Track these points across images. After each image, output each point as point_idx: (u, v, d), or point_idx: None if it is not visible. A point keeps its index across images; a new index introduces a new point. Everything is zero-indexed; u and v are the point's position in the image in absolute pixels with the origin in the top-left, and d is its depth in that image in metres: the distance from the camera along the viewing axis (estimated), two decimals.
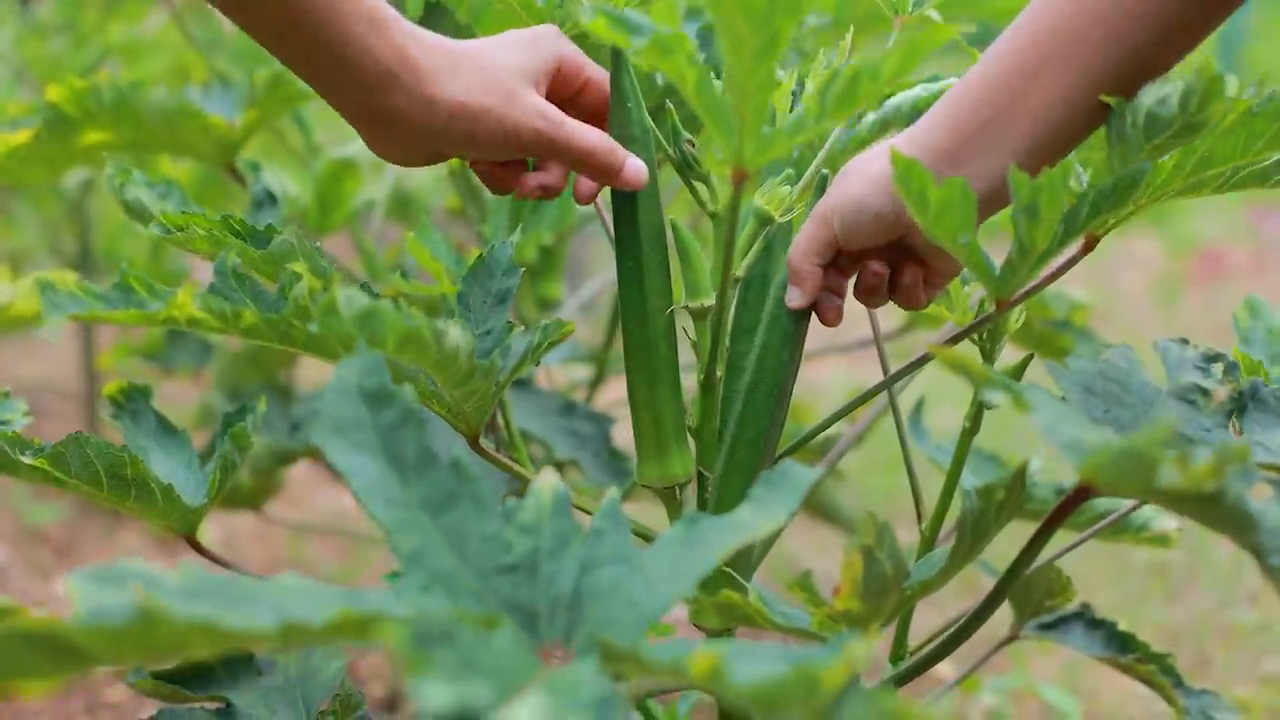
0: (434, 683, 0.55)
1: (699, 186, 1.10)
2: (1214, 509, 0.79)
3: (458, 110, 1.02)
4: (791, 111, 1.06)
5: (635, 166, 1.08)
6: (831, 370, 3.47)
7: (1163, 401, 0.98)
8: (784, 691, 0.56)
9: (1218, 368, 1.01)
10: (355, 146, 2.08)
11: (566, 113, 1.07)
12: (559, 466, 1.81)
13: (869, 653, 0.57)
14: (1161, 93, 0.91)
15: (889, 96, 1.24)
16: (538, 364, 1.10)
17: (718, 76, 0.88)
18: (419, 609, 0.64)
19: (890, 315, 2.24)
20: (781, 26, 0.82)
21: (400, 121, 1.03)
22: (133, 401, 1.27)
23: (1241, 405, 0.99)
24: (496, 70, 1.03)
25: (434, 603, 0.68)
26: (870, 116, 1.24)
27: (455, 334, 0.91)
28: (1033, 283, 1.05)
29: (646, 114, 1.09)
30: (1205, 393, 0.99)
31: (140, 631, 0.54)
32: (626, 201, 1.09)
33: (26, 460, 1.08)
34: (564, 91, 1.09)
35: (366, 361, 0.75)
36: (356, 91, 1.01)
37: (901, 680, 1.08)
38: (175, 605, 0.54)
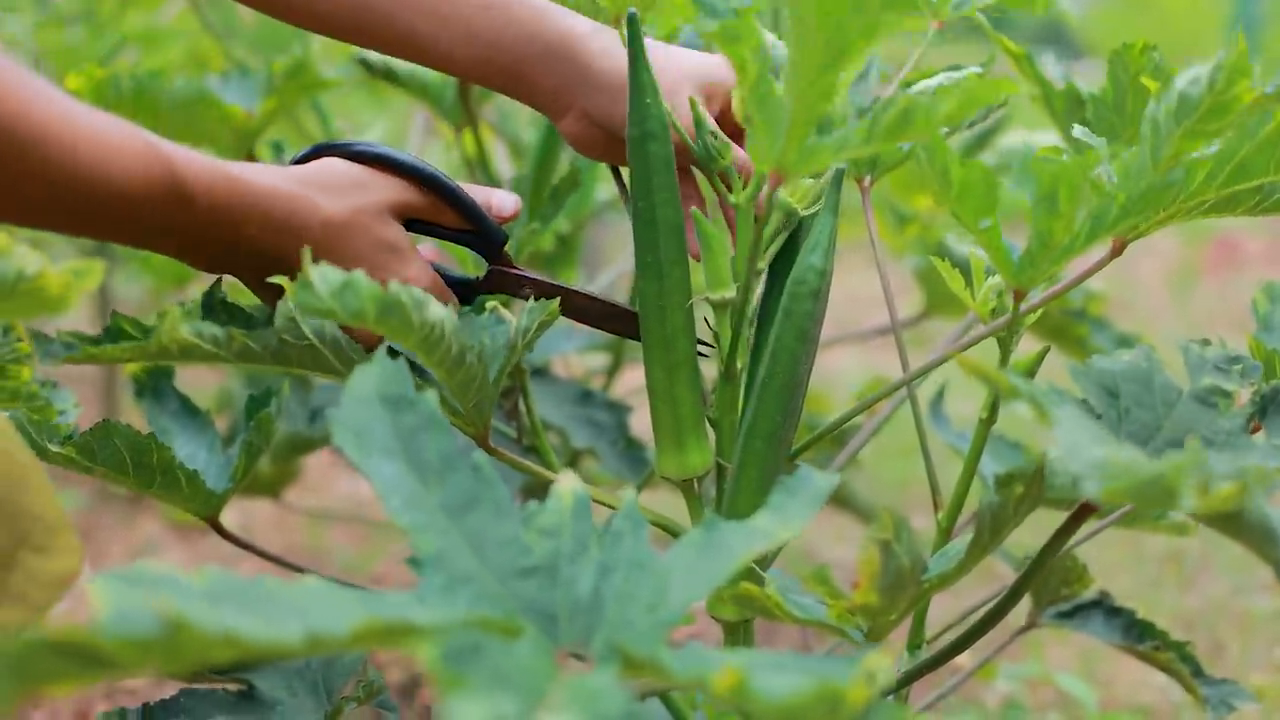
0: (468, 700, 0.55)
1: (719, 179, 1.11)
2: (1235, 522, 0.79)
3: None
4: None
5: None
6: (847, 358, 3.47)
7: (1184, 404, 0.98)
8: (809, 708, 0.56)
9: (1238, 369, 1.01)
10: (373, 135, 2.09)
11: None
12: (576, 455, 1.82)
13: (891, 668, 0.57)
14: (1195, 73, 0.91)
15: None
16: (531, 349, 1.10)
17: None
18: (443, 615, 0.64)
19: (907, 303, 2.24)
20: (853, 43, 0.82)
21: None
22: (156, 382, 1.28)
23: (1263, 408, 0.98)
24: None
25: (455, 606, 0.68)
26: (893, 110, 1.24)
27: (436, 309, 0.92)
28: (1057, 285, 1.05)
29: (665, 107, 1.09)
30: (1226, 395, 0.98)
31: (167, 642, 0.54)
32: (644, 198, 1.09)
33: (54, 448, 1.09)
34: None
35: (386, 369, 0.75)
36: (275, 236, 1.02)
37: (920, 671, 1.09)
38: (201, 616, 0.54)
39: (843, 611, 0.88)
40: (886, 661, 0.56)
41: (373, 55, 1.68)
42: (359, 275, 0.87)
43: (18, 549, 0.88)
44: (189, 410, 1.28)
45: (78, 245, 2.84)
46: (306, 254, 0.87)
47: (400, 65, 1.68)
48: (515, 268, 1.15)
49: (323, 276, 0.86)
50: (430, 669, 0.56)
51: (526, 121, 2.03)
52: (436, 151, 2.47)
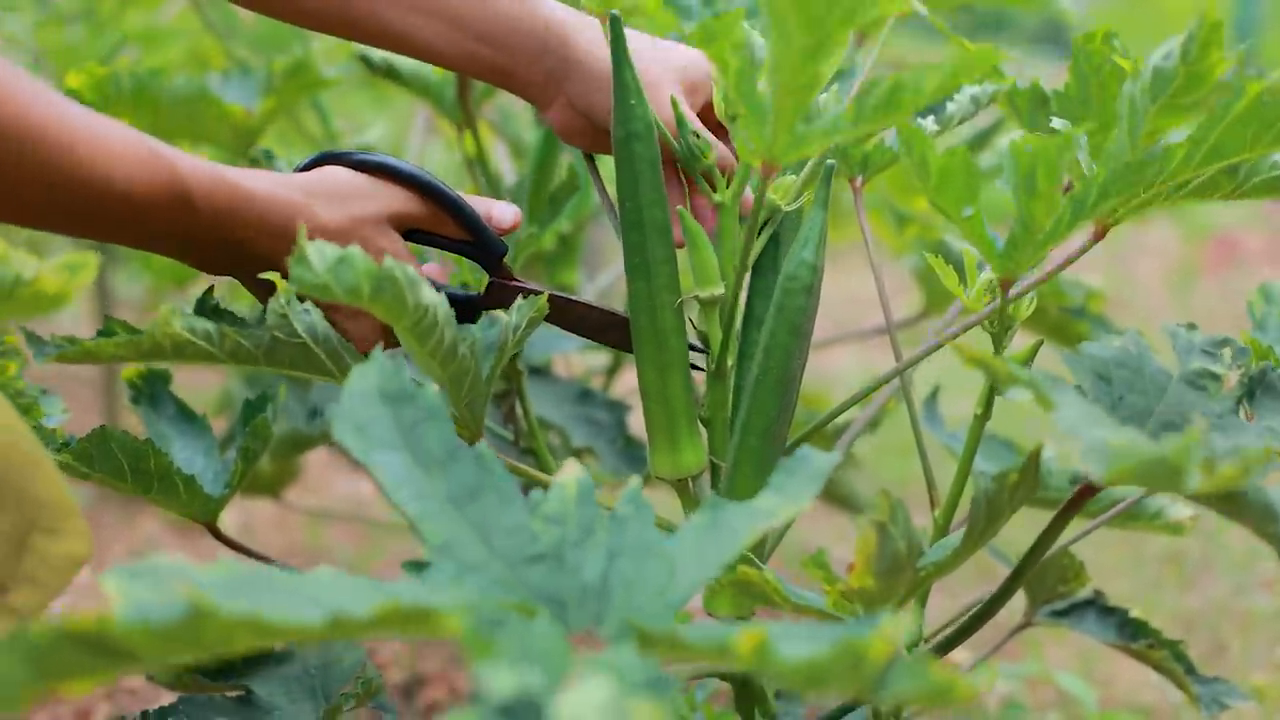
0: (498, 668, 0.55)
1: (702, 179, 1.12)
2: (1234, 502, 0.79)
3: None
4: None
5: None
6: (844, 358, 3.47)
7: (1174, 387, 0.99)
8: (831, 666, 0.57)
9: (1227, 353, 1.02)
10: (374, 134, 2.09)
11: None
12: (575, 454, 1.82)
13: (908, 626, 0.57)
14: (1168, 47, 0.92)
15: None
16: (522, 347, 1.11)
17: None
18: (458, 599, 0.64)
19: (907, 303, 2.24)
20: (835, 30, 0.83)
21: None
22: (152, 387, 1.28)
23: (1251, 390, 1.00)
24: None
25: (467, 593, 0.68)
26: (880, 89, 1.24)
27: (429, 292, 0.93)
28: (1042, 271, 1.06)
29: (650, 108, 1.10)
30: (1216, 378, 1.00)
31: (189, 629, 0.54)
32: (631, 199, 1.10)
33: (51, 455, 1.09)
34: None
35: (385, 366, 0.76)
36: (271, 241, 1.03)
37: None
38: (221, 601, 0.54)
39: (840, 597, 0.89)
40: (903, 621, 0.57)
41: (374, 53, 1.68)
42: (355, 250, 0.87)
43: (29, 533, 0.88)
44: (186, 415, 1.28)
45: (78, 239, 2.84)
46: (302, 231, 0.87)
47: (402, 63, 1.68)
48: (515, 279, 1.16)
49: (319, 251, 0.86)
50: (463, 640, 0.56)
51: (527, 122, 2.03)
52: (437, 152, 2.47)
